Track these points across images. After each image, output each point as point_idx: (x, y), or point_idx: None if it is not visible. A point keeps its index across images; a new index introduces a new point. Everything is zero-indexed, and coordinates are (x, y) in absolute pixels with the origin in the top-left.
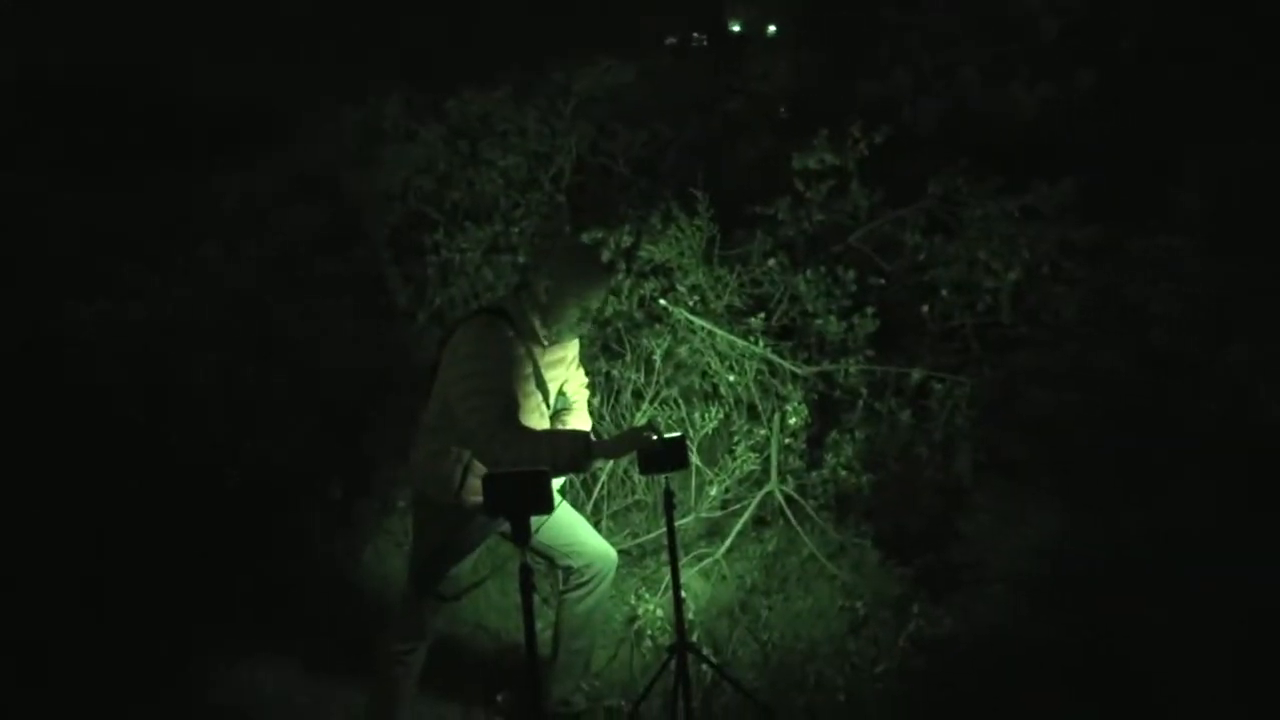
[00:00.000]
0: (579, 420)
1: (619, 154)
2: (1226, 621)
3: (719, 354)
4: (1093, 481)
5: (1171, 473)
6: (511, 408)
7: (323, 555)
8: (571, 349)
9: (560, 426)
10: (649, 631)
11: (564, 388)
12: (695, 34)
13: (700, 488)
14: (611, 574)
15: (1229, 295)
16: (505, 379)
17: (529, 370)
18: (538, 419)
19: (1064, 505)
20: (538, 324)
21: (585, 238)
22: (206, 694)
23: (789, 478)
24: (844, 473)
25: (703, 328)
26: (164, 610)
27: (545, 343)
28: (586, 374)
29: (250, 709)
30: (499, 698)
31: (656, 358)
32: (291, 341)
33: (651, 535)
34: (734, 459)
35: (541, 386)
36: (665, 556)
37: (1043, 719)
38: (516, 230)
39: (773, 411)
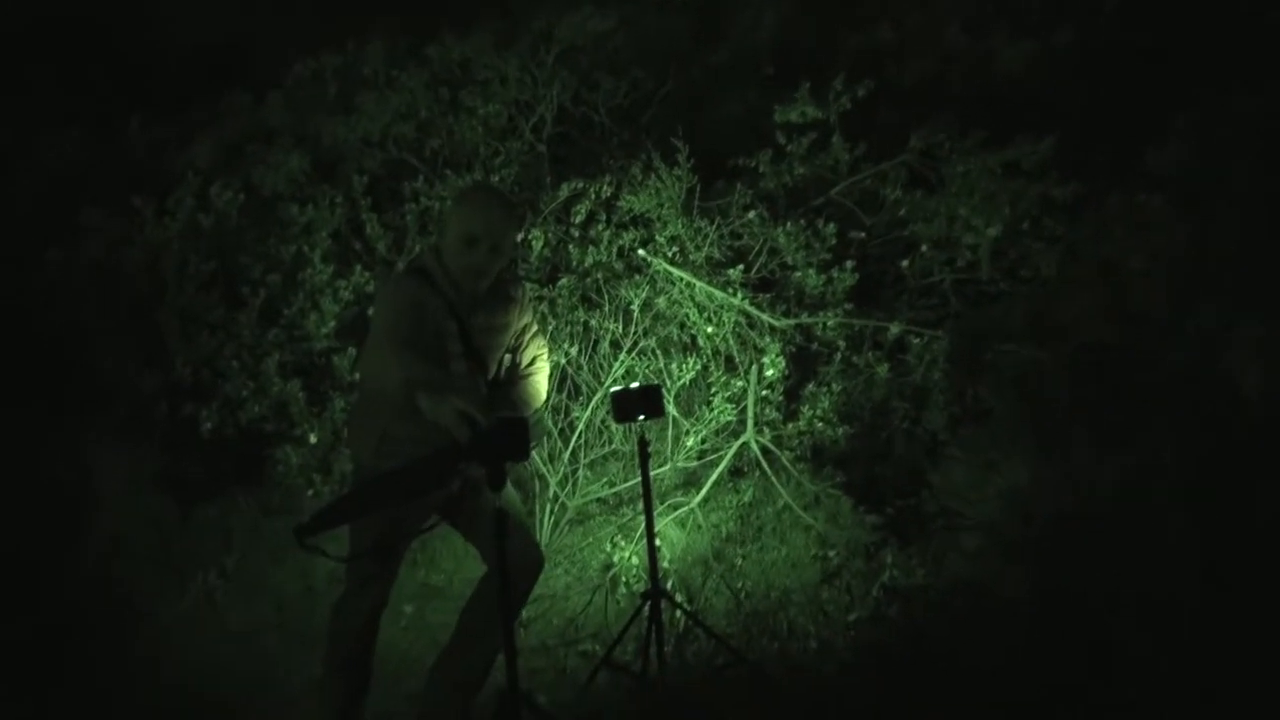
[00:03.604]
0: (518, 395)
1: (600, 104)
2: (1193, 572)
3: (697, 305)
4: (1064, 433)
5: (1141, 426)
6: (392, 337)
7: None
8: (515, 316)
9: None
10: (624, 579)
11: (518, 358)
12: None
13: (677, 438)
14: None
15: (1201, 253)
16: (396, 319)
17: (450, 327)
18: (466, 384)
19: (1036, 456)
20: (444, 271)
21: (565, 188)
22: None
23: (765, 429)
24: (820, 425)
25: (681, 279)
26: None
27: (466, 295)
28: (568, 340)
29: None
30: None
31: (635, 308)
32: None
33: (628, 484)
34: (711, 410)
35: (472, 351)
36: (641, 505)
37: (1013, 667)
38: (496, 179)
39: (750, 363)
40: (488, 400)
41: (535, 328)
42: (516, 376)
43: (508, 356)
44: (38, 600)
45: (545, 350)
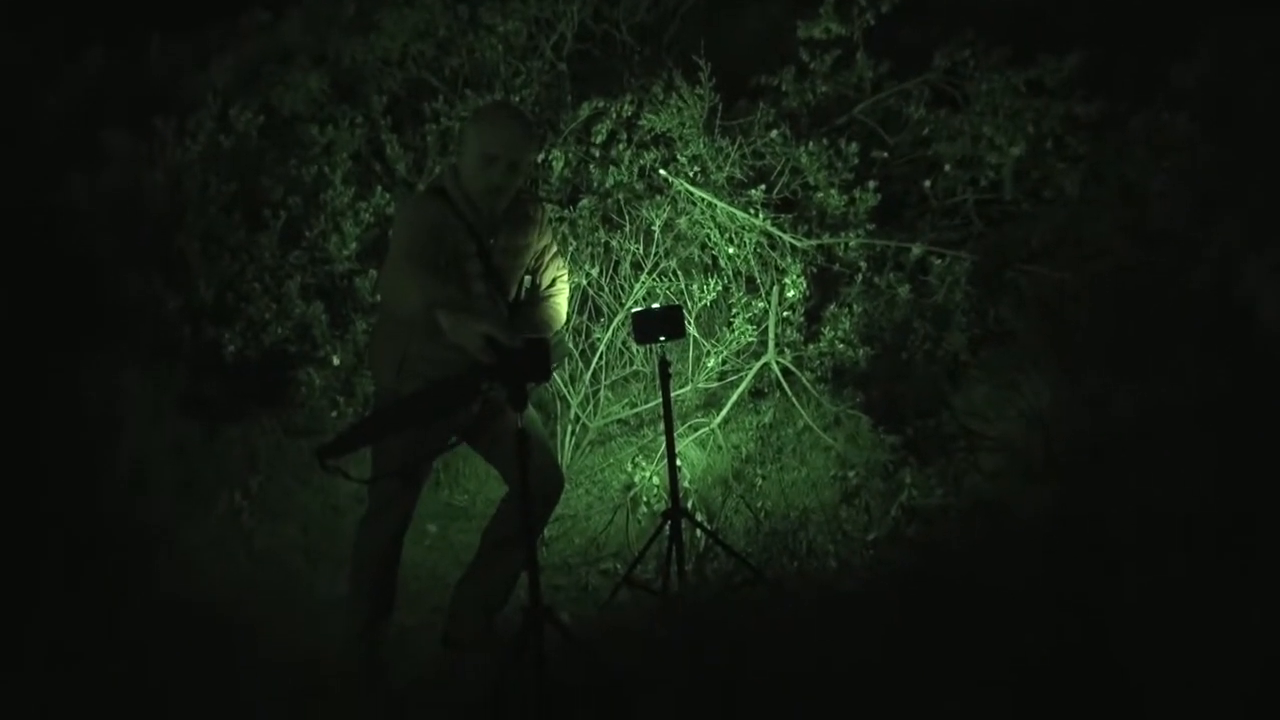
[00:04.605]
0: (539, 316)
1: (621, 20)
2: (1212, 497)
3: (719, 226)
4: (1086, 355)
5: (1160, 348)
6: (410, 258)
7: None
8: (535, 237)
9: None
10: (644, 498)
11: (538, 279)
12: None
13: (698, 359)
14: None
15: (1224, 172)
16: (414, 240)
17: (469, 248)
18: (487, 306)
19: (1058, 378)
20: (463, 192)
21: (585, 107)
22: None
23: (786, 350)
24: (841, 346)
25: (703, 199)
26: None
27: (485, 215)
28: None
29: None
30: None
31: (656, 229)
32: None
33: (649, 405)
34: (732, 331)
35: (492, 272)
36: (662, 426)
37: (1029, 586)
38: (517, 99)
39: (771, 284)
40: (508, 322)
41: (555, 248)
42: (537, 298)
43: (527, 278)
44: (63, 522)
45: (565, 271)
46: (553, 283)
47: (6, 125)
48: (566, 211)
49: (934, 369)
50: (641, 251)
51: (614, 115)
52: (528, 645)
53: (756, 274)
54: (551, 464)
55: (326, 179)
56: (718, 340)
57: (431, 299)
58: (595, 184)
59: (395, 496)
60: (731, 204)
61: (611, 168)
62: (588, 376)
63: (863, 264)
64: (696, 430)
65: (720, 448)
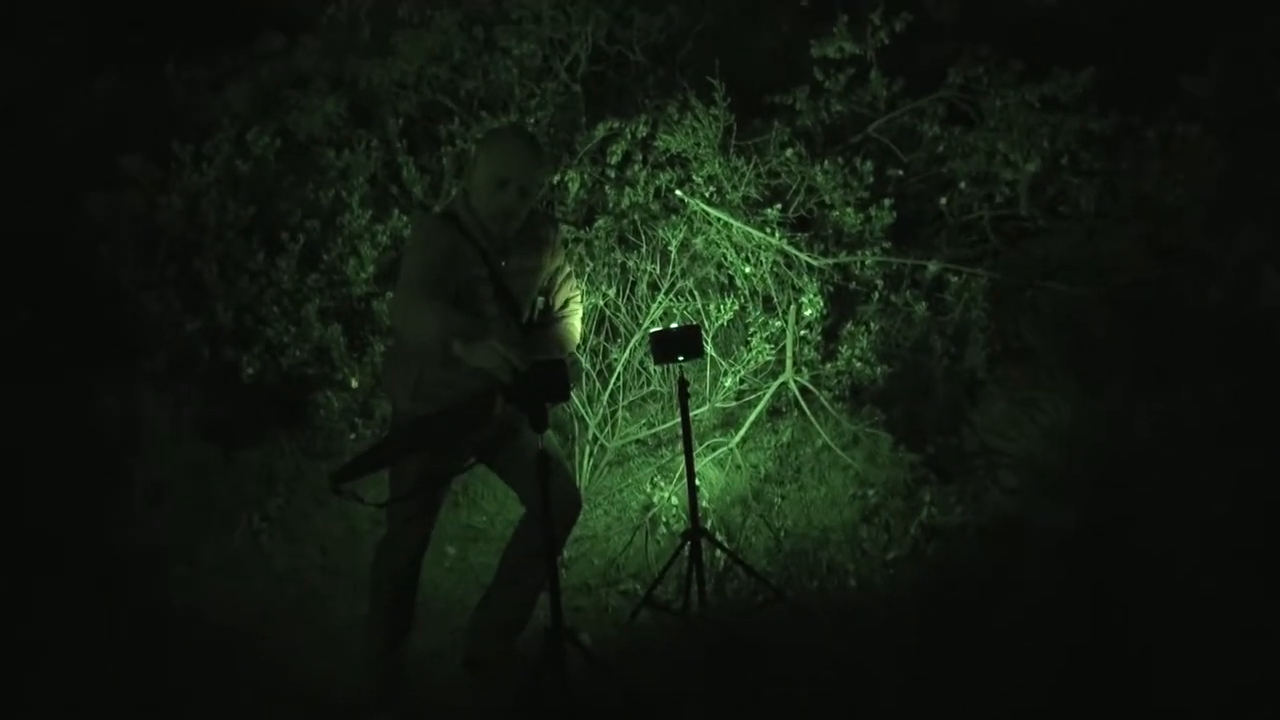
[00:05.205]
0: (554, 337)
1: (635, 41)
2: (1236, 511)
3: (735, 245)
4: (1106, 370)
5: (1179, 362)
6: (423, 285)
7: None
8: (548, 258)
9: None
10: (664, 518)
11: (551, 300)
12: None
13: (715, 378)
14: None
15: (1240, 182)
16: (426, 266)
17: (480, 272)
18: (500, 328)
19: (1077, 394)
20: (474, 216)
21: (600, 128)
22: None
23: (804, 369)
24: (859, 364)
25: (719, 219)
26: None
27: (497, 238)
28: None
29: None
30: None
31: (672, 249)
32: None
33: (667, 425)
34: (749, 350)
35: (504, 295)
36: (680, 446)
37: (1050, 605)
38: (532, 120)
39: (788, 303)
40: (522, 344)
41: (568, 269)
42: (551, 319)
43: (541, 299)
44: (81, 539)
45: (579, 292)
46: (566, 303)
47: (25, 148)
48: (582, 232)
49: (953, 387)
50: (658, 271)
51: (629, 136)
52: (549, 666)
53: (773, 293)
54: (569, 485)
55: (343, 202)
56: (735, 359)
57: (444, 331)
58: (611, 205)
59: (413, 519)
60: (747, 223)
61: (627, 188)
62: (605, 397)
63: (879, 282)
64: (715, 450)
65: (739, 467)
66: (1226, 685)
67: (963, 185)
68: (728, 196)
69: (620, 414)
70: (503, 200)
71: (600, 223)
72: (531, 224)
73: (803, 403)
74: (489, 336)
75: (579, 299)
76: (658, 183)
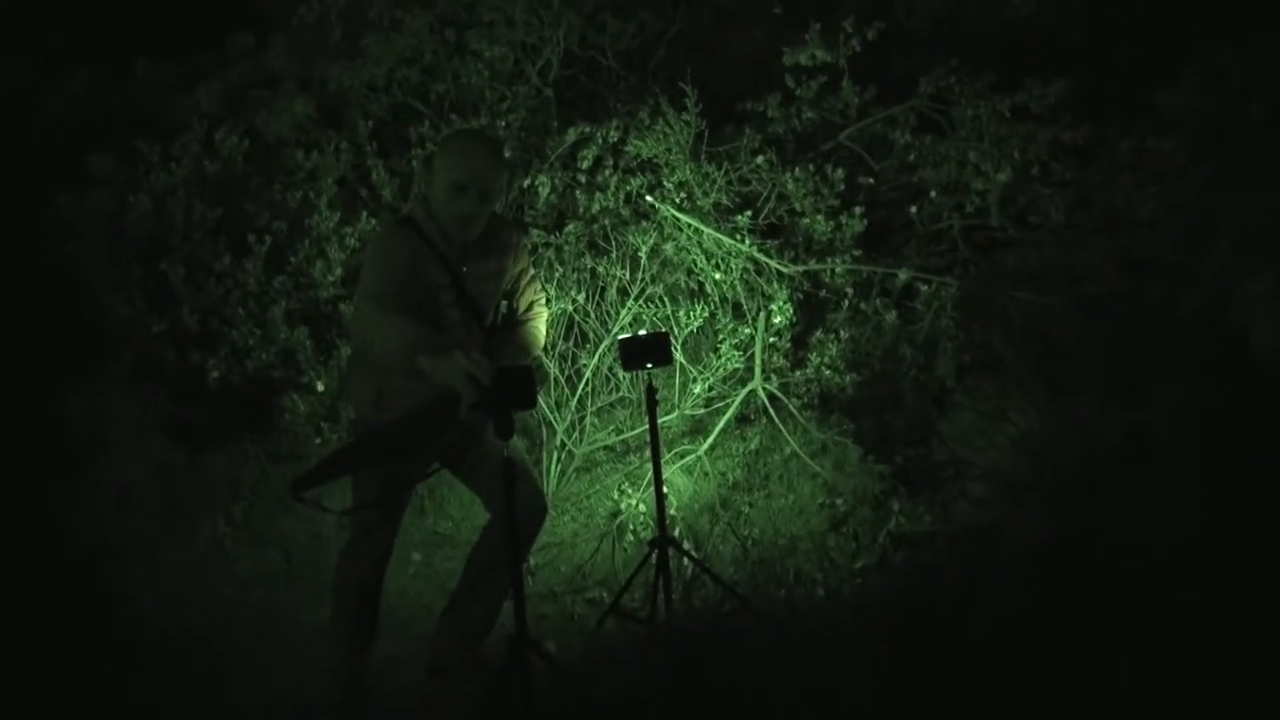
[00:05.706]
0: (518, 342)
1: (607, 46)
2: (1207, 520)
3: (705, 251)
4: (1076, 380)
5: (1150, 374)
6: (384, 295)
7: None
8: (510, 262)
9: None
10: (631, 526)
11: (515, 304)
12: None
13: (684, 385)
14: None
15: (1213, 197)
16: (387, 275)
17: (441, 279)
18: (463, 334)
19: (1046, 404)
20: (434, 222)
21: (571, 132)
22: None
23: (773, 376)
24: (828, 372)
25: (689, 225)
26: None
27: (457, 244)
28: (575, 287)
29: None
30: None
31: (642, 255)
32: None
33: (635, 432)
34: (718, 357)
35: (466, 300)
36: (648, 453)
37: (1020, 614)
38: (503, 124)
39: (758, 310)
40: (486, 349)
41: (532, 272)
42: (514, 322)
43: (505, 303)
44: (45, 546)
45: (543, 295)
46: (530, 306)
47: None
48: (553, 237)
49: (922, 396)
50: (628, 277)
51: (600, 141)
52: (513, 674)
53: (743, 300)
54: (534, 491)
55: (311, 204)
56: (704, 366)
57: (406, 345)
58: (581, 209)
59: (376, 525)
60: (718, 229)
61: (598, 193)
62: (574, 403)
63: (849, 290)
64: (683, 457)
65: (707, 475)
66: (1199, 694)
67: (933, 194)
68: (698, 202)
69: (589, 420)
70: (462, 205)
71: (570, 228)
72: (493, 227)
73: (771, 410)
74: (453, 350)
75: (543, 302)
76: (629, 188)
